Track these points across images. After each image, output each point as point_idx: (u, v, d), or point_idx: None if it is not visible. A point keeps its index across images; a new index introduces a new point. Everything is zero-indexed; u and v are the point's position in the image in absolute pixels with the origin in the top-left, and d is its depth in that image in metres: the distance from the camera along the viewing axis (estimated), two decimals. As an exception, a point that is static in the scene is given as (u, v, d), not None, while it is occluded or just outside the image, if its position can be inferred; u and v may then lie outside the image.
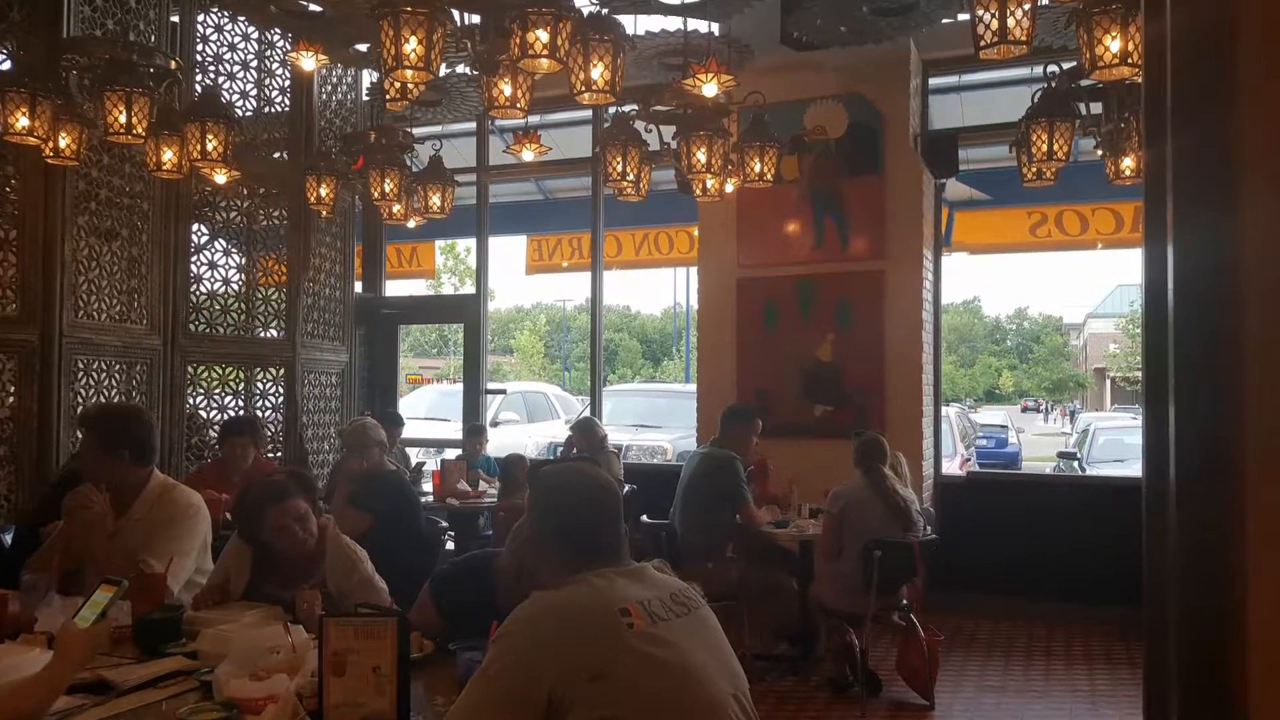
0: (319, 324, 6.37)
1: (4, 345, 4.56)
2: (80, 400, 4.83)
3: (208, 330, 5.67)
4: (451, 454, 6.82)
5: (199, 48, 5.60)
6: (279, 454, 5.88)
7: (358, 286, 7.15)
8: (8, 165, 4.69)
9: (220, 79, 5.70)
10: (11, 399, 4.59)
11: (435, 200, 5.02)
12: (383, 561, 2.95)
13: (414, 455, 7.73)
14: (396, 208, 4.82)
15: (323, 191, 4.74)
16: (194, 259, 5.61)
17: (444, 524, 5.32)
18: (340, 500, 4.37)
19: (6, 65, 4.64)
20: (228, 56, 5.78)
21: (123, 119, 3.58)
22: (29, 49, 4.50)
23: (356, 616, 2.02)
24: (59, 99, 3.71)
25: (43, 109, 3.64)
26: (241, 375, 5.90)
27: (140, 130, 3.64)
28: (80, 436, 3.50)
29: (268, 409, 5.96)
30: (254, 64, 5.87)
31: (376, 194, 4.66)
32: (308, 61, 3.73)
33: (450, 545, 5.46)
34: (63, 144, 3.84)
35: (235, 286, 5.87)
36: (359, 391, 6.92)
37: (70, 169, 4.57)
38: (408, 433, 6.82)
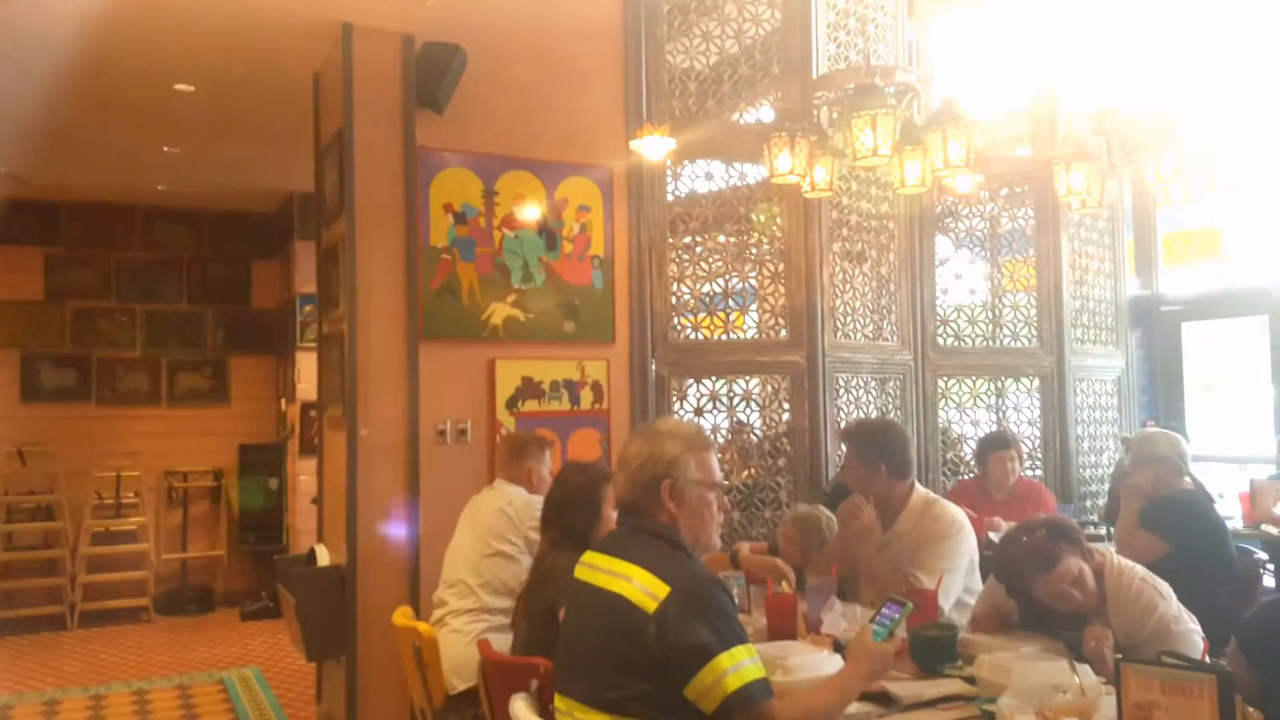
0: (1087, 328, 6.28)
1: (778, 367, 5.08)
2: (842, 415, 5.26)
3: (956, 343, 5.79)
4: (1264, 471, 5.99)
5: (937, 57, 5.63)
6: (1036, 470, 5.86)
7: (1132, 284, 6.75)
8: (774, 205, 5.19)
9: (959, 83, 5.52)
10: (787, 415, 5.13)
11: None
12: (1183, 598, 2.65)
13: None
14: (1174, 191, 4.60)
15: (1074, 181, 4.49)
16: (938, 271, 5.76)
17: (1260, 555, 4.58)
18: (1128, 520, 4.02)
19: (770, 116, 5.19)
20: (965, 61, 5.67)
21: (869, 142, 3.85)
22: (786, 96, 5.04)
23: (1162, 666, 1.86)
24: (813, 135, 4.08)
25: (800, 147, 3.99)
26: (992, 388, 5.93)
27: (885, 150, 3.89)
28: (843, 450, 3.86)
29: (1021, 422, 5.93)
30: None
31: (1151, 176, 4.38)
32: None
33: (1269, 582, 4.78)
34: (818, 178, 4.17)
35: (981, 296, 5.91)
36: (1138, 400, 6.67)
37: (824, 200, 5.00)
38: (1200, 448, 5.97)
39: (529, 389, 4.55)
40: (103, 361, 7.85)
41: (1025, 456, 5.45)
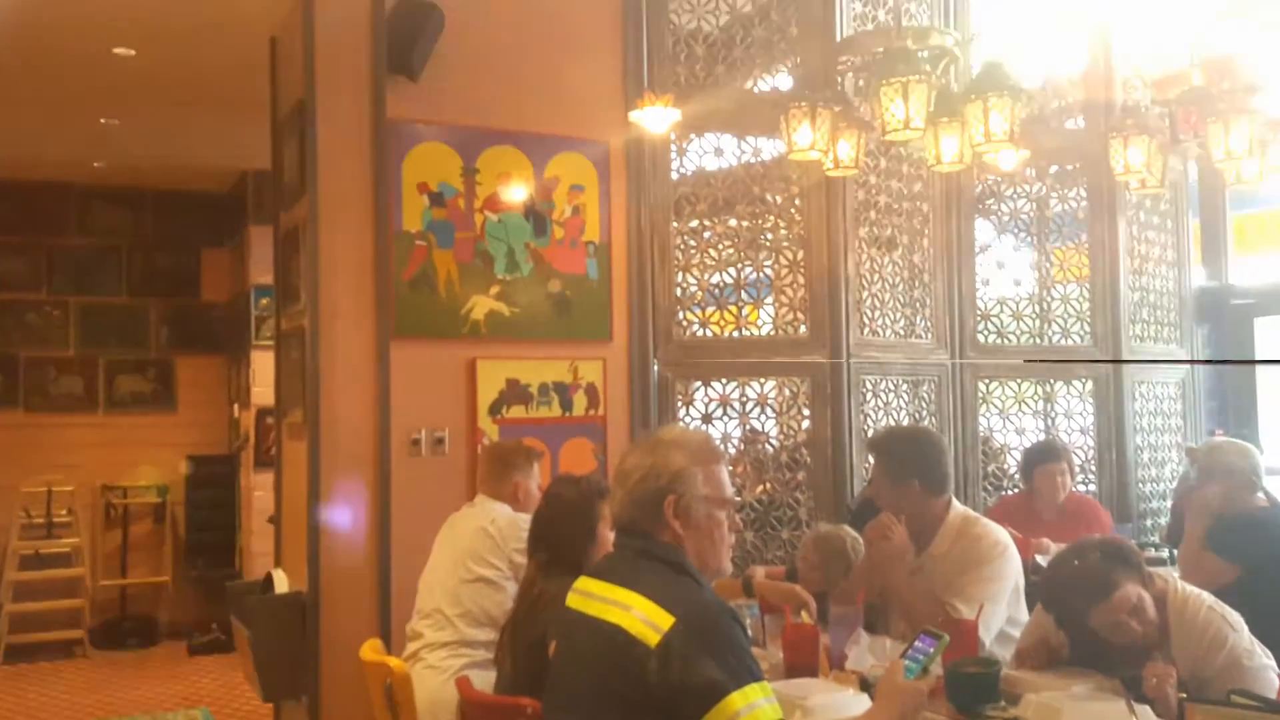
0: (1147, 324, 6.22)
1: (797, 368, 5.08)
2: (869, 423, 5.25)
3: (998, 341, 5.80)
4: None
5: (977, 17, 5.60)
6: (1090, 485, 5.81)
7: (1198, 274, 6.72)
8: (792, 185, 5.11)
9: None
10: (806, 422, 5.12)
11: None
12: (1255, 630, 2.66)
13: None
14: (1248, 168, 4.54)
15: (1132, 158, 4.47)
16: (978, 260, 5.75)
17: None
18: (1193, 542, 3.97)
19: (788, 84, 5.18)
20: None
21: (899, 113, 3.83)
22: (806, 61, 5.00)
23: (1233, 706, 1.93)
24: (836, 106, 4.10)
25: (822, 119, 4.00)
26: (1039, 391, 5.91)
27: (918, 122, 3.86)
28: (871, 462, 3.93)
29: (1072, 430, 5.91)
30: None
31: (1220, 153, 4.32)
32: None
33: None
34: (842, 154, 4.18)
35: (1026, 288, 5.89)
36: (1205, 405, 6.62)
37: (849, 179, 4.96)
38: (1275, 460, 5.73)
39: (514, 393, 4.56)
40: (31, 361, 7.87)
41: (1077, 469, 5.45)
